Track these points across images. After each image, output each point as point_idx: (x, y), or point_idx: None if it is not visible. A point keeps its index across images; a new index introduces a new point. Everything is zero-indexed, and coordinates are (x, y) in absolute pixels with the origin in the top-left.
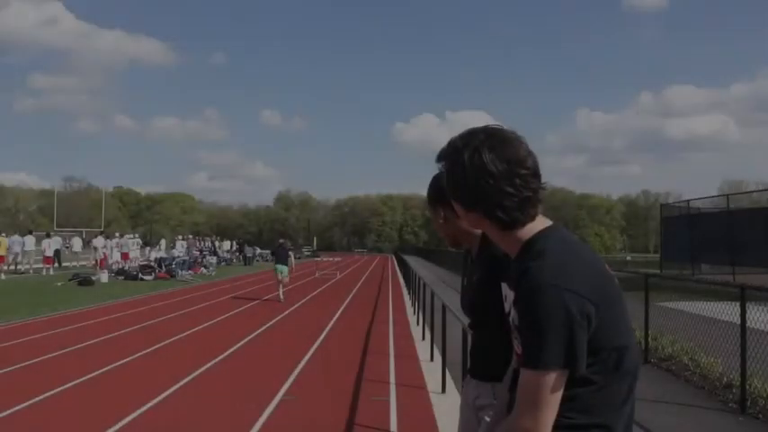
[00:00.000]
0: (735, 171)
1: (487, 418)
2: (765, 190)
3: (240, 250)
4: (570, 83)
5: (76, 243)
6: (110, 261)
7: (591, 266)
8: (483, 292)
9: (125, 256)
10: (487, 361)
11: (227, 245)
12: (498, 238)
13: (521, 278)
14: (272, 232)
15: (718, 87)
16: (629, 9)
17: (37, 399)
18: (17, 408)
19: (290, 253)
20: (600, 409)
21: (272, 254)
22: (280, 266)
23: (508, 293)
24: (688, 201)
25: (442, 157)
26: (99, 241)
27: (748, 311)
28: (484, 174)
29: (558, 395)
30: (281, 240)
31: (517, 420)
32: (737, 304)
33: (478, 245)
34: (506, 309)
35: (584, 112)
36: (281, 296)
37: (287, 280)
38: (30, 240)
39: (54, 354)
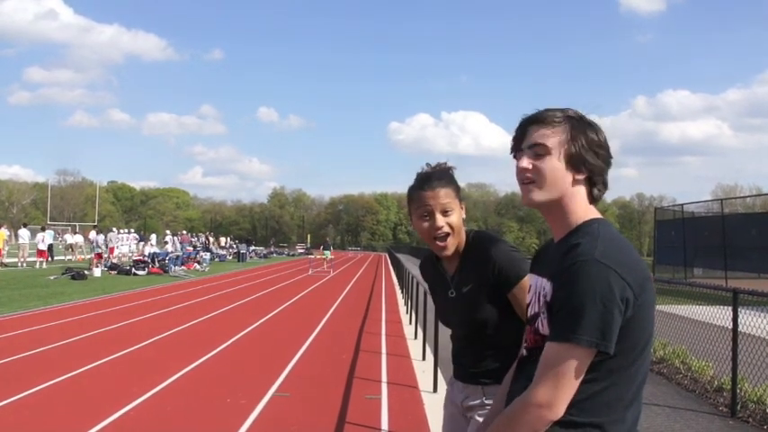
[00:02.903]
0: (729, 176)
1: (478, 418)
2: (759, 195)
3: (247, 246)
4: (566, 85)
5: (70, 237)
6: (103, 255)
7: (637, 259)
8: (478, 305)
9: (110, 251)
10: (476, 363)
11: (223, 241)
12: (560, 215)
13: (568, 252)
14: (265, 229)
15: (713, 93)
16: (627, 14)
17: (25, 393)
18: (2, 403)
19: (330, 245)
20: (600, 409)
21: (322, 246)
22: (327, 252)
23: (539, 281)
24: (682, 205)
25: (563, 113)
26: (92, 235)
27: (740, 316)
28: (602, 144)
29: (581, 375)
30: (327, 238)
31: (534, 392)
32: (730, 308)
33: (460, 255)
34: (528, 299)
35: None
36: (326, 268)
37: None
38: (24, 233)
39: (44, 348)
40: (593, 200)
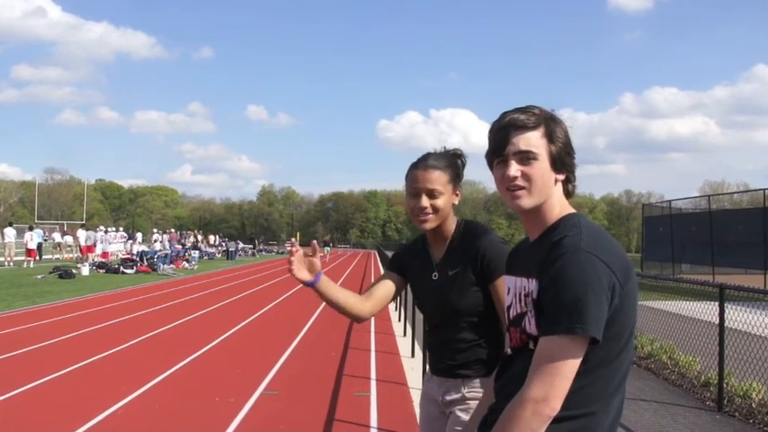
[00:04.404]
0: (716, 172)
1: (459, 413)
2: (746, 191)
3: (253, 244)
4: (554, 83)
5: (58, 236)
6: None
7: (619, 248)
8: (460, 289)
9: (90, 249)
10: (454, 356)
11: (212, 239)
12: (541, 215)
13: (554, 246)
14: (254, 227)
15: (700, 90)
16: (615, 11)
17: (12, 393)
18: None
19: (330, 243)
20: (587, 400)
21: (324, 243)
22: (326, 249)
23: (518, 282)
24: (670, 201)
25: (539, 114)
26: (80, 233)
27: (727, 311)
28: (571, 145)
29: (575, 366)
30: (326, 237)
31: (528, 392)
32: (716, 304)
33: (448, 242)
34: (507, 302)
35: (567, 112)
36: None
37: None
38: (10, 232)
39: (31, 347)
40: (569, 195)
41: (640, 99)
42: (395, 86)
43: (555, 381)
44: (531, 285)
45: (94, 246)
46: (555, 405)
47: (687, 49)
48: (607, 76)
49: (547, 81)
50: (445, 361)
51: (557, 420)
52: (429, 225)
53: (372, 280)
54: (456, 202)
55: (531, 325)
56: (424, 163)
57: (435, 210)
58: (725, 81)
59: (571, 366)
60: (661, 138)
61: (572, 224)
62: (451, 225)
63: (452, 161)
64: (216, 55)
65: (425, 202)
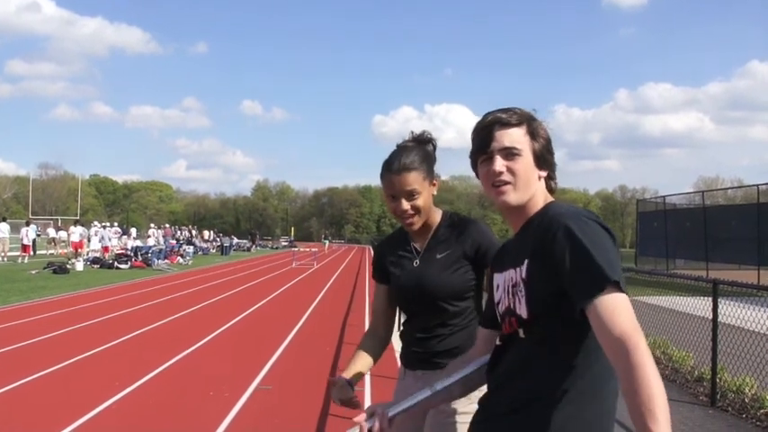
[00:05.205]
0: (710, 168)
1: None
2: (740, 187)
3: (252, 240)
4: (548, 78)
5: (53, 231)
6: (87, 249)
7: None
8: (446, 270)
9: (80, 245)
10: (436, 344)
11: (206, 234)
12: (525, 211)
13: (551, 222)
14: (249, 222)
15: (695, 86)
16: (609, 7)
17: (5, 388)
18: None
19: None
20: (601, 378)
21: (324, 236)
22: (326, 242)
23: (507, 275)
24: (664, 197)
25: (521, 113)
26: (74, 229)
27: (720, 306)
28: (551, 143)
29: (632, 310)
30: (326, 232)
31: (614, 327)
32: (710, 299)
33: (432, 232)
34: (497, 298)
35: (561, 107)
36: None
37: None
38: (4, 227)
39: (24, 342)
40: (551, 192)
41: (635, 95)
42: (390, 82)
43: (626, 317)
44: (519, 273)
45: (88, 241)
46: (640, 332)
47: (681, 46)
48: (601, 72)
49: (542, 77)
50: (423, 352)
51: (569, 401)
52: (416, 226)
53: (366, 276)
54: (435, 192)
55: (521, 306)
56: (396, 167)
57: (417, 210)
58: (719, 77)
59: (629, 308)
60: (655, 133)
61: (560, 205)
62: (435, 215)
63: (424, 153)
64: (210, 50)
65: (405, 204)
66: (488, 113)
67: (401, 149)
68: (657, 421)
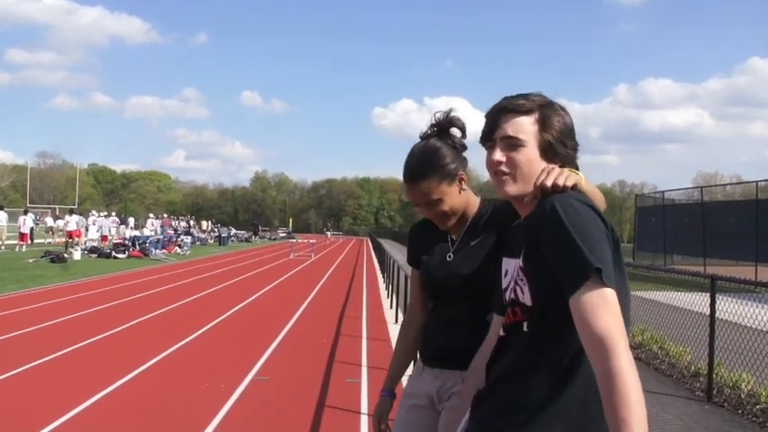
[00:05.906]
0: (709, 163)
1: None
2: (739, 183)
3: (255, 231)
4: (549, 72)
5: (51, 220)
6: (84, 238)
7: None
8: (484, 259)
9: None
10: (461, 339)
11: (204, 224)
12: (532, 203)
13: (550, 207)
14: (247, 213)
15: (694, 82)
16: (611, 2)
17: (1, 377)
18: None
19: (331, 228)
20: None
21: (326, 228)
22: (328, 233)
23: (514, 263)
24: (663, 192)
25: (535, 101)
26: (70, 218)
27: (718, 302)
28: (571, 132)
29: (617, 306)
30: (328, 223)
31: (594, 325)
32: (708, 295)
33: (471, 219)
34: (504, 284)
35: (561, 101)
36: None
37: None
38: (2, 216)
39: (20, 332)
40: None
41: (635, 90)
42: (390, 74)
43: (612, 313)
44: (520, 261)
45: (86, 230)
46: (624, 333)
47: (682, 42)
48: (602, 67)
49: (542, 70)
50: (447, 347)
51: (566, 389)
52: (450, 224)
53: (364, 268)
54: (465, 187)
55: (524, 294)
56: (408, 175)
57: (444, 214)
58: (720, 73)
59: (615, 303)
60: (655, 129)
61: (559, 193)
62: (472, 206)
63: (439, 152)
64: (211, 41)
65: (430, 213)
66: (504, 98)
67: (412, 154)
68: None
